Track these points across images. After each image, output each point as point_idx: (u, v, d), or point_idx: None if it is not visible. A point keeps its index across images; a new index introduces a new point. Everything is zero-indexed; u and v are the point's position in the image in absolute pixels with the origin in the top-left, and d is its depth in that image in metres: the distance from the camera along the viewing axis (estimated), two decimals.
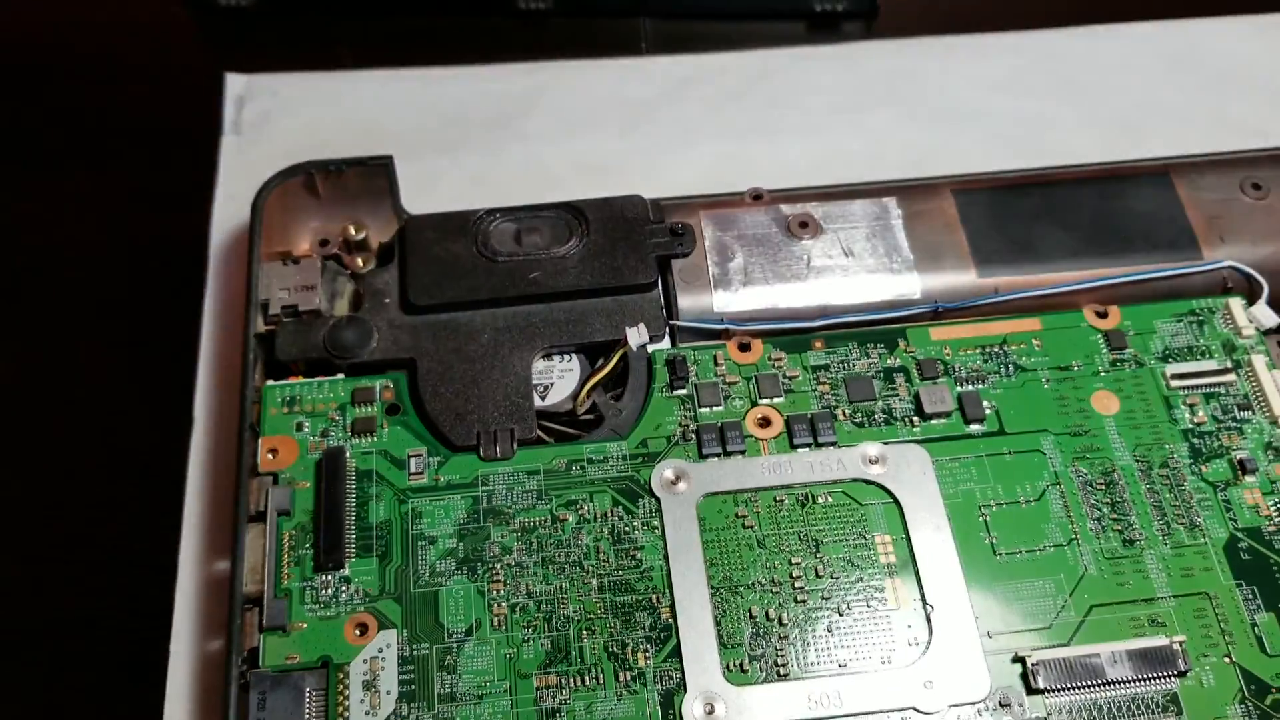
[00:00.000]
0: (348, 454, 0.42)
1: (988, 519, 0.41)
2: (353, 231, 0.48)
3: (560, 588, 0.40)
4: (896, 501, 0.41)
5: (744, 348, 0.45)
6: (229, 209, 0.52)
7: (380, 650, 0.38)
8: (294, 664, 0.38)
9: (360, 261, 0.48)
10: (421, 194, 0.50)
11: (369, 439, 0.43)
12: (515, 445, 0.42)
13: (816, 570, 0.40)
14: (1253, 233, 0.48)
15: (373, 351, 0.44)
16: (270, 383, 0.44)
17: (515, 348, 0.45)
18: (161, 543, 0.45)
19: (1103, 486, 0.42)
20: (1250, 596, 0.40)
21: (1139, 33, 0.59)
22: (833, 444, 0.43)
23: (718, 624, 0.39)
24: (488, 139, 0.55)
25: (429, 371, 0.44)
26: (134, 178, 0.55)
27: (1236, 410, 0.44)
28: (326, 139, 0.52)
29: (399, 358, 0.44)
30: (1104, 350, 0.45)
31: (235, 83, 0.56)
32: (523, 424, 0.43)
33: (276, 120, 0.55)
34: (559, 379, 0.45)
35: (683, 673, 0.38)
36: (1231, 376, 0.44)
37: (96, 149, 0.56)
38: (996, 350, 0.45)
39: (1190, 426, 0.43)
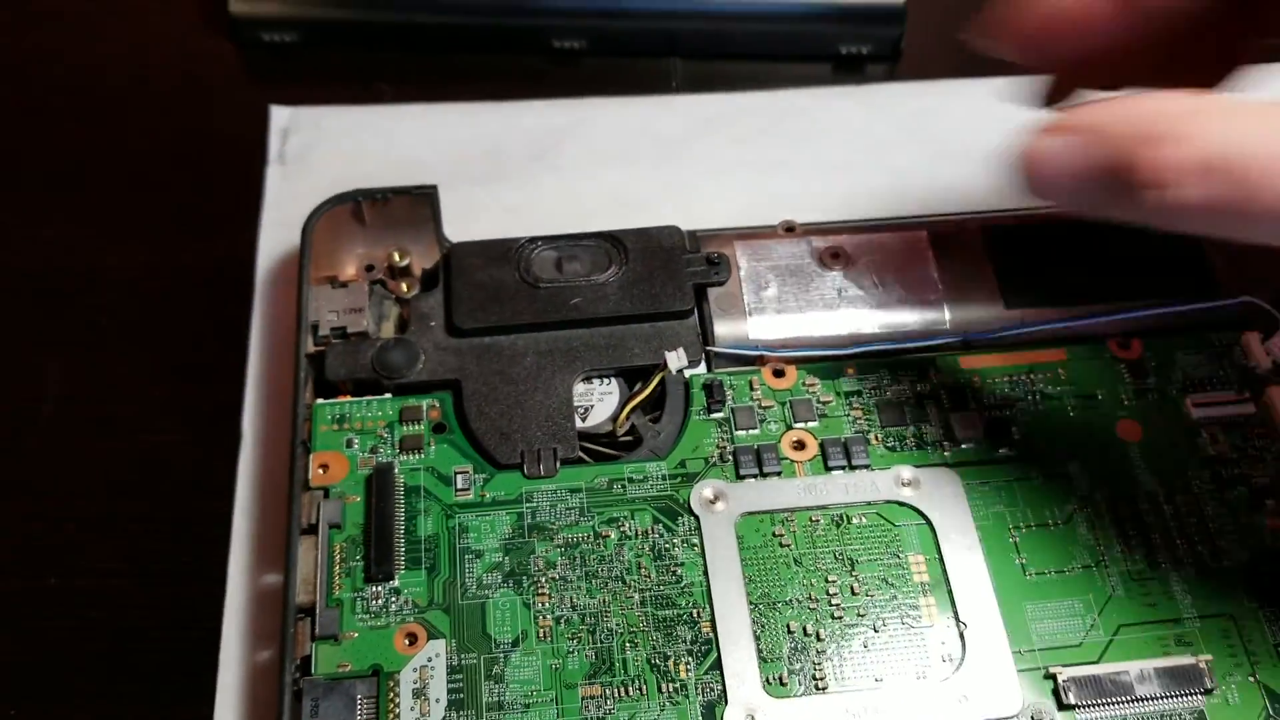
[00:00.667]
0: (396, 470, 0.43)
1: (1017, 540, 0.43)
2: (397, 258, 0.50)
3: (603, 601, 0.41)
4: (929, 522, 0.43)
5: (778, 374, 0.46)
6: (274, 236, 0.54)
7: (429, 659, 0.39)
8: (345, 672, 0.39)
9: (405, 287, 0.50)
10: (461, 223, 0.51)
11: (417, 456, 0.44)
12: (558, 464, 0.44)
13: (852, 588, 0.41)
14: (1269, 271, 0.49)
15: (419, 372, 0.46)
16: (321, 401, 0.45)
17: (557, 370, 0.46)
18: (209, 557, 0.46)
19: (1128, 511, 0.43)
20: (1272, 618, 0.41)
21: None
22: (866, 467, 0.44)
23: (757, 638, 0.40)
24: (524, 172, 0.57)
25: (474, 392, 0.45)
26: (180, 205, 0.56)
27: (1256, 439, 0.45)
28: (368, 170, 0.53)
29: (445, 379, 0.46)
30: (1127, 380, 0.46)
31: (280, 115, 0.58)
32: (565, 443, 0.44)
33: (319, 151, 0.57)
34: (599, 401, 0.47)
35: (724, 684, 0.39)
36: (1250, 407, 0.46)
37: (143, 177, 0.57)
38: (1023, 379, 0.46)
39: (1211, 455, 0.45)
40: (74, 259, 0.54)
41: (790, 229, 0.50)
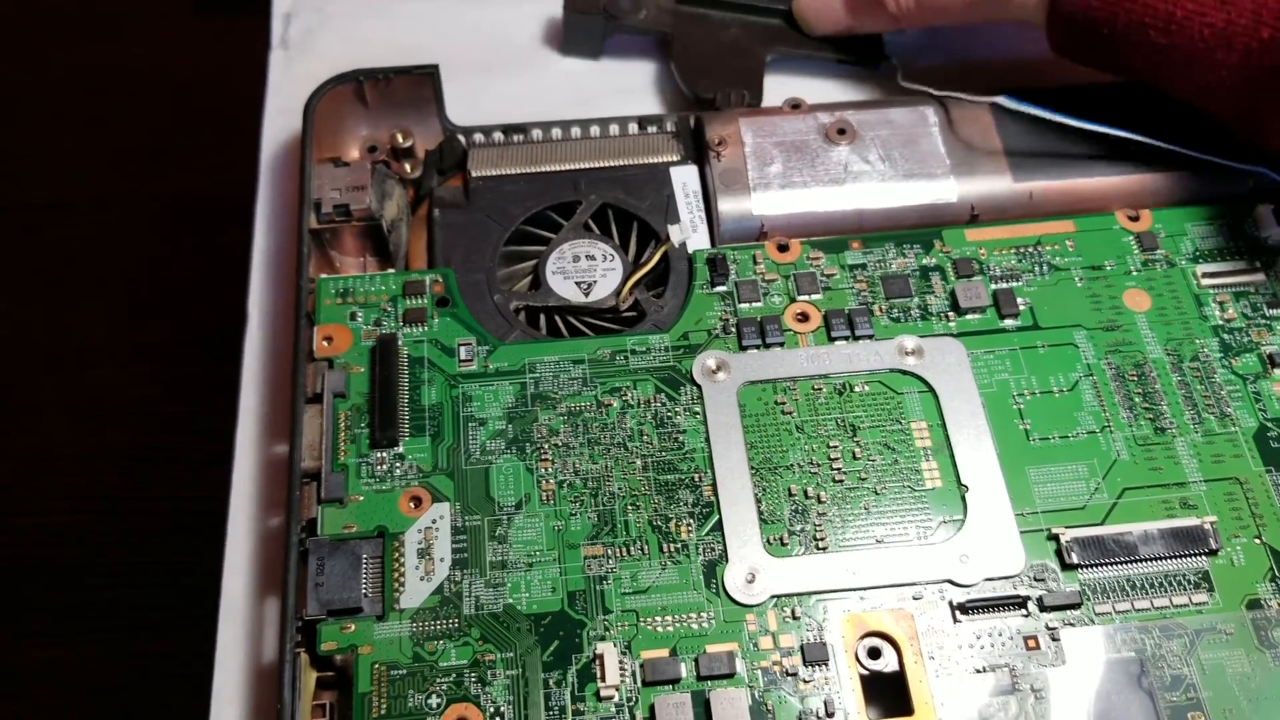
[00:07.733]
0: (400, 342, 0.43)
1: (1021, 407, 0.42)
2: (400, 139, 0.50)
3: (605, 467, 0.41)
4: (932, 390, 0.43)
5: (783, 248, 0.46)
6: (278, 121, 0.54)
7: (434, 521, 0.40)
8: (351, 533, 0.40)
9: (408, 168, 0.50)
10: (465, 109, 0.51)
11: (420, 329, 0.44)
12: (745, 99, 0.51)
13: (854, 453, 0.41)
14: None
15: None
16: (325, 275, 0.45)
17: (755, 42, 0.53)
18: (219, 431, 0.46)
19: (1134, 378, 0.43)
20: None
21: None
22: (870, 337, 0.44)
23: (758, 501, 0.40)
24: (530, 58, 0.56)
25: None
26: (185, 97, 0.56)
27: (1266, 308, 0.45)
28: (371, 55, 0.53)
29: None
30: (1135, 251, 0.46)
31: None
32: (752, 90, 0.52)
33: (321, 36, 0.56)
34: (602, 277, 0.46)
35: (724, 545, 0.39)
36: (1260, 276, 0.45)
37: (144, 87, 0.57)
38: (1031, 250, 0.46)
39: (1220, 323, 0.44)
40: (76, 164, 0.54)
41: (796, 105, 0.50)
